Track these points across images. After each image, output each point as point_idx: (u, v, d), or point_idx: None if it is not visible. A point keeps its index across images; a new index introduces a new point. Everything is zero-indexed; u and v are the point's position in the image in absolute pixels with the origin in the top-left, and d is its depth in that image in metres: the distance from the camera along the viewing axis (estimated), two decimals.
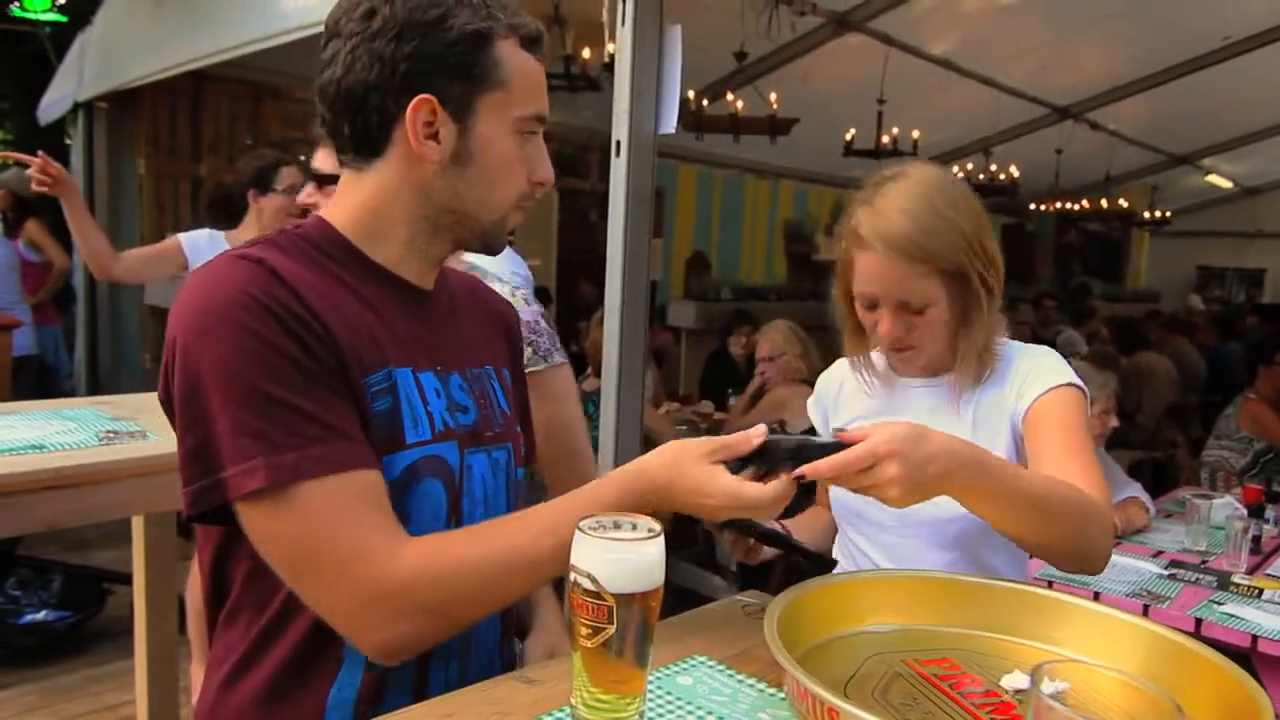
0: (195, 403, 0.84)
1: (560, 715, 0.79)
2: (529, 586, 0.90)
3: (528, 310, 1.62)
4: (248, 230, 2.82)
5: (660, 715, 0.80)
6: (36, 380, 4.76)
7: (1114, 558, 2.44)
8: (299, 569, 0.85)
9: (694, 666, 0.89)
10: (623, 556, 0.71)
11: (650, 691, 0.84)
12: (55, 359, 5.18)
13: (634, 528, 0.74)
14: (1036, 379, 1.30)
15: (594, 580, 0.70)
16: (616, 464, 2.39)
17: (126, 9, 4.63)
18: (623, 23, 2.31)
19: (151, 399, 2.34)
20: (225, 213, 2.94)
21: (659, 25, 2.36)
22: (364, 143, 0.96)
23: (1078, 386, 1.29)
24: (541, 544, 0.85)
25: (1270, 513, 2.84)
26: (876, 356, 1.41)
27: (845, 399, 1.46)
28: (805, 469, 0.85)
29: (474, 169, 0.96)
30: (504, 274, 1.75)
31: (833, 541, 1.49)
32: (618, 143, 2.30)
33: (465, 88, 0.94)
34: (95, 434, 1.64)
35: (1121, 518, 2.70)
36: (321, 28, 1.00)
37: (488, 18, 0.94)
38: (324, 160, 1.77)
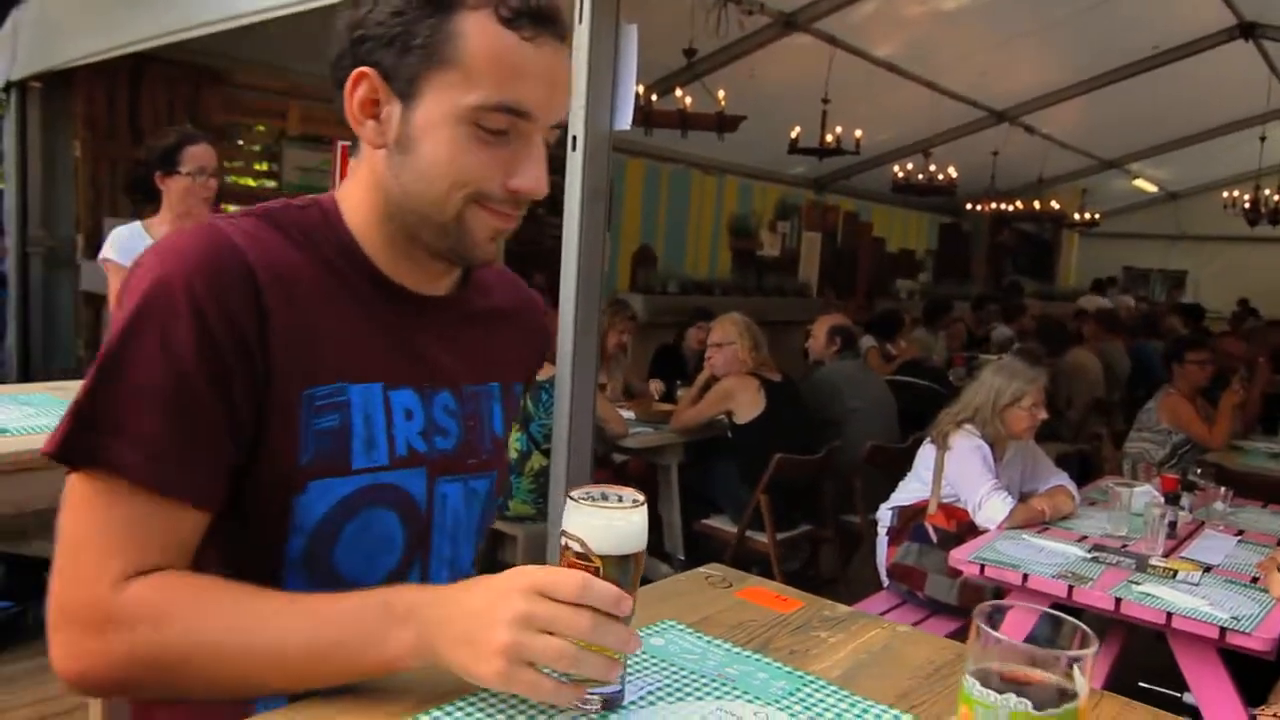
0: (98, 357, 0.79)
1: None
2: (261, 680, 0.77)
3: None
4: (164, 215, 2.74)
5: (638, 671, 0.87)
6: None
7: (1041, 541, 2.58)
8: (55, 549, 0.78)
9: (665, 629, 0.96)
10: (609, 522, 0.77)
11: None
12: None
13: (619, 499, 0.79)
14: None
15: (583, 544, 0.76)
16: (570, 451, 2.45)
17: None
18: (579, 20, 2.36)
19: None
20: (144, 195, 2.83)
21: (615, 24, 2.42)
22: (344, 120, 0.87)
23: None
24: (270, 627, 0.76)
25: (1185, 500, 3.01)
26: None
27: None
28: None
29: (413, 157, 0.84)
30: None
31: None
32: (574, 138, 2.35)
33: (410, 63, 0.82)
34: (58, 418, 1.64)
35: (1049, 505, 2.84)
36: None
37: None
38: None
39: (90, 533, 0.77)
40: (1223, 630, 2.04)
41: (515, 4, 0.82)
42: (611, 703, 0.79)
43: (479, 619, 0.72)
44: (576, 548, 0.76)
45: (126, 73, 5.09)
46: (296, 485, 0.84)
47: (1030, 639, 0.60)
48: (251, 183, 5.89)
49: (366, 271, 0.90)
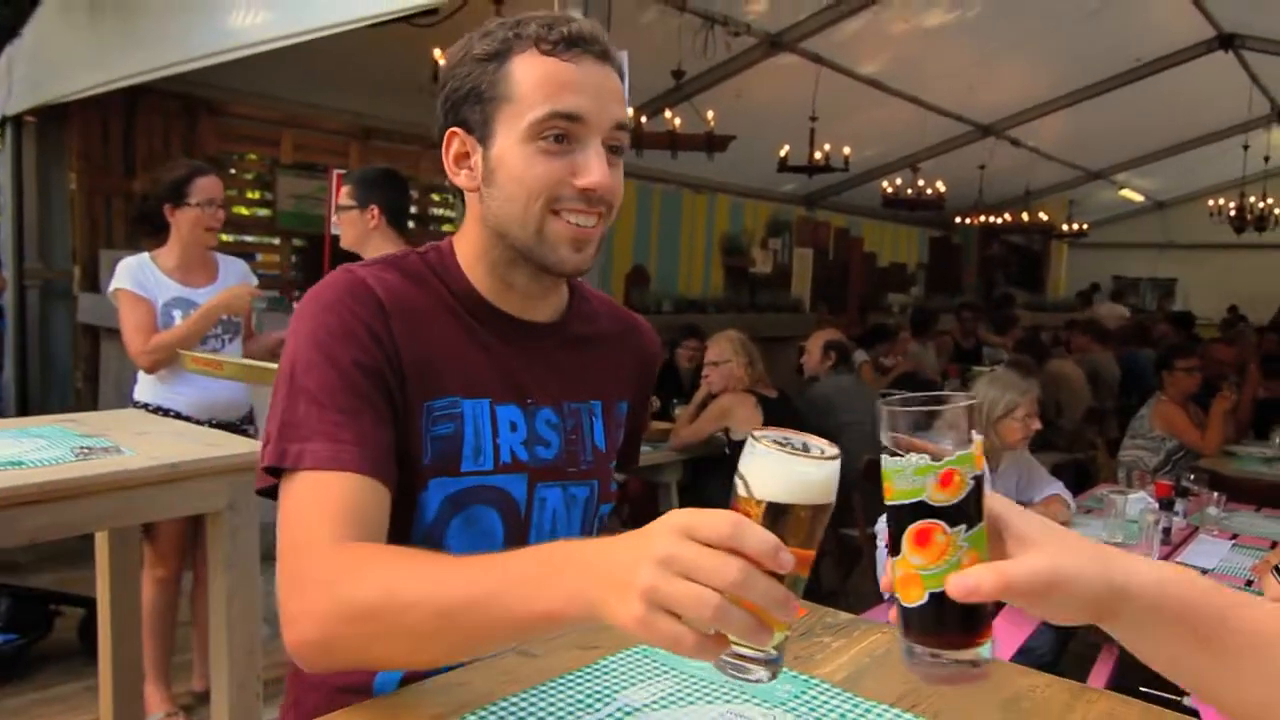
0: (274, 393, 0.96)
1: (562, 680, 0.88)
2: (425, 634, 0.78)
3: None
4: (172, 246, 2.78)
5: (648, 679, 0.90)
6: None
7: None
8: (277, 551, 0.89)
9: None
10: (779, 464, 0.67)
11: (636, 660, 0.94)
12: None
13: (804, 447, 0.69)
14: None
15: (747, 485, 0.68)
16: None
17: (60, 23, 4.57)
18: None
19: (115, 415, 2.36)
20: (152, 226, 2.86)
21: None
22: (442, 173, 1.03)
23: None
24: (450, 581, 0.77)
25: (1179, 506, 3.04)
26: None
27: None
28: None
29: (496, 187, 0.98)
30: None
31: None
32: None
33: (483, 110, 0.97)
34: (70, 450, 1.67)
35: (1045, 513, 2.87)
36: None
37: (503, 39, 0.97)
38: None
39: (303, 517, 0.89)
40: None
41: (553, 36, 0.95)
42: (769, 674, 0.68)
43: (625, 561, 0.67)
44: (741, 489, 0.68)
45: (121, 105, 5.13)
46: (421, 482, 0.98)
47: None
48: (245, 211, 5.93)
49: (475, 302, 1.04)
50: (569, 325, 1.10)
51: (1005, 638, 2.45)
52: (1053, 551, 0.62)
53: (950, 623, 0.62)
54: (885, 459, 0.63)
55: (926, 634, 0.63)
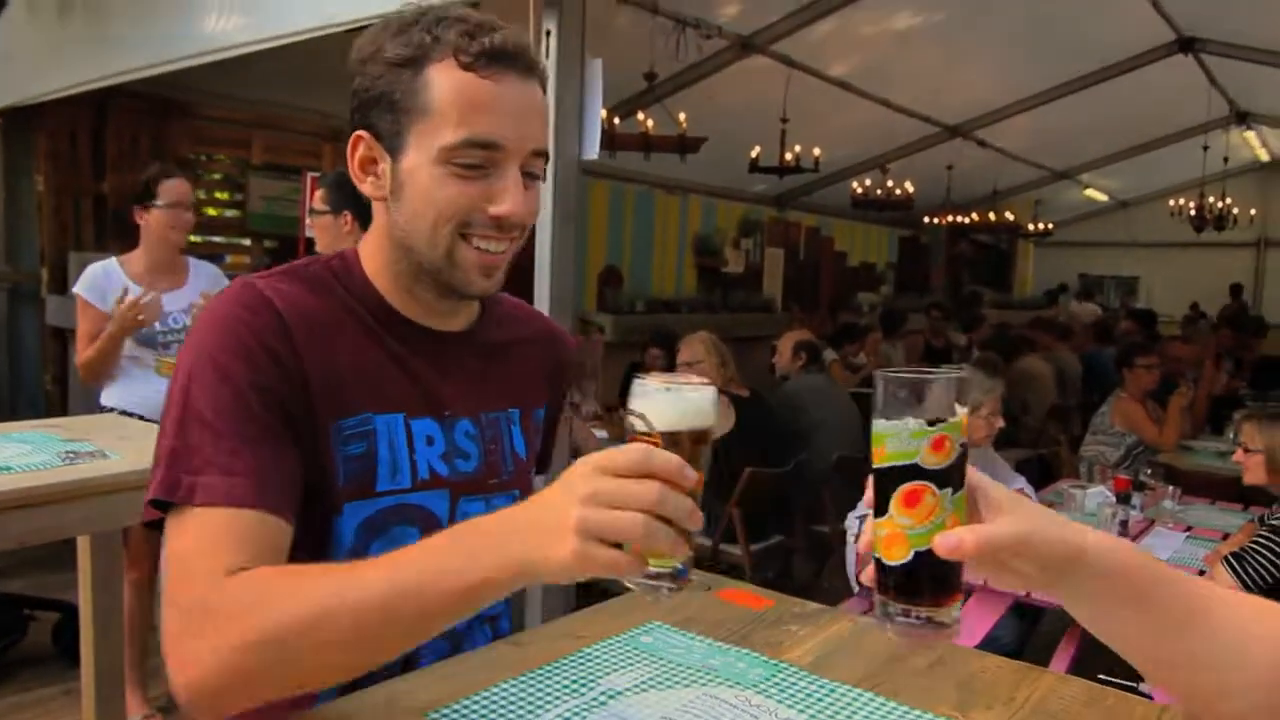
0: (164, 414, 0.89)
1: (550, 667, 0.93)
2: (358, 638, 0.76)
3: None
4: (141, 250, 2.78)
5: (629, 665, 0.95)
6: None
7: None
8: (163, 592, 0.82)
9: (653, 629, 1.05)
10: (669, 397, 0.74)
11: (617, 648, 1.00)
12: None
13: (685, 384, 0.76)
14: None
15: (645, 419, 0.73)
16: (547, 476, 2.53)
17: (27, 24, 4.53)
18: (546, 56, 2.46)
19: (95, 419, 2.37)
20: (131, 234, 2.86)
21: (580, 59, 2.52)
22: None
23: None
24: (370, 581, 0.75)
25: (1136, 500, 3.15)
26: None
27: None
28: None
29: (405, 201, 0.93)
30: None
31: None
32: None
33: (394, 120, 0.91)
34: (56, 455, 1.70)
35: None
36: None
37: (419, 44, 0.90)
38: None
39: (195, 553, 0.82)
40: None
41: (473, 49, 0.89)
42: (678, 586, 0.75)
43: (550, 510, 0.71)
44: (639, 425, 0.74)
45: (90, 106, 5.09)
46: (336, 507, 0.93)
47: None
48: (214, 212, 5.91)
49: (382, 311, 0.99)
50: (482, 332, 1.07)
51: (972, 628, 2.53)
52: (1023, 516, 0.67)
53: (930, 581, 0.67)
54: (879, 423, 0.67)
55: (906, 592, 0.67)
